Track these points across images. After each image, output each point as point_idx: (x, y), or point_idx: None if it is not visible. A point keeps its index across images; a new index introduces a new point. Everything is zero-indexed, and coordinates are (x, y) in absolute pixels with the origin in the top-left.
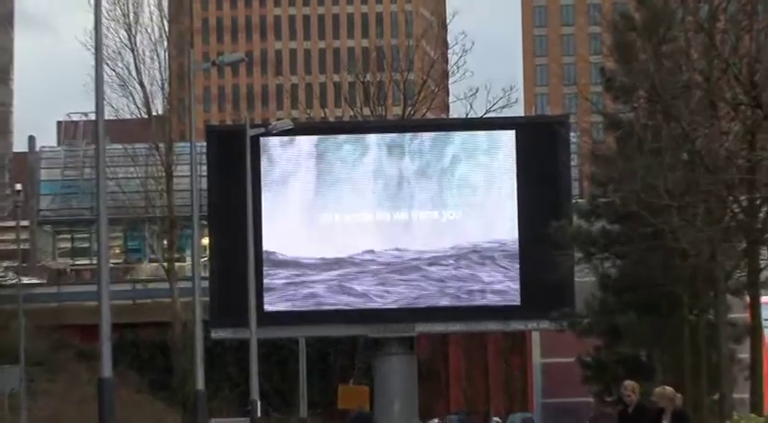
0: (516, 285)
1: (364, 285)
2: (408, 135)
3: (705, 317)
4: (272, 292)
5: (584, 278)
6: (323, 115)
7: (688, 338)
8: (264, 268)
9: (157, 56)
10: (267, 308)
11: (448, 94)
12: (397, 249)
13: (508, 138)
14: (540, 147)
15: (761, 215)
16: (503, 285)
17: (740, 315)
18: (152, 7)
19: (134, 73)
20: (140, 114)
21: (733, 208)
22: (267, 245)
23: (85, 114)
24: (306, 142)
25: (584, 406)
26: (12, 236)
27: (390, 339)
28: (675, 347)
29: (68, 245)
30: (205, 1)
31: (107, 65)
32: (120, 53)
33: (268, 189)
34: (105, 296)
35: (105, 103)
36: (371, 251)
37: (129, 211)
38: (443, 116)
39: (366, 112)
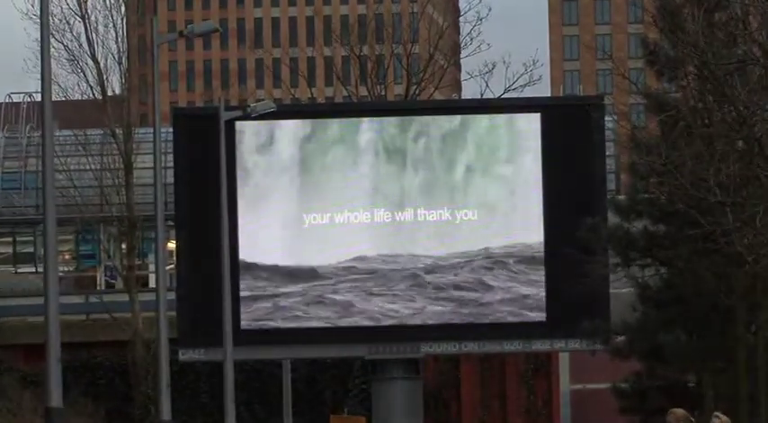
0: (541, 297)
1: (360, 298)
2: (413, 119)
3: (765, 335)
4: (250, 305)
5: (621, 289)
6: (311, 96)
7: (744, 361)
8: (242, 278)
9: (113, 24)
10: (245, 325)
11: (460, 71)
12: (400, 256)
13: (532, 122)
14: (569, 133)
15: None
16: (525, 298)
17: None
18: None
19: (85, 45)
20: (93, 94)
21: None
22: (245, 250)
23: (29, 95)
24: (291, 127)
25: None
26: None
27: (391, 361)
28: (729, 371)
29: (9, 249)
30: None
31: (53, 36)
32: (68, 21)
33: (245, 183)
34: (53, 310)
35: (52, 81)
36: (369, 258)
37: (81, 210)
38: (454, 96)
39: (362, 91)
